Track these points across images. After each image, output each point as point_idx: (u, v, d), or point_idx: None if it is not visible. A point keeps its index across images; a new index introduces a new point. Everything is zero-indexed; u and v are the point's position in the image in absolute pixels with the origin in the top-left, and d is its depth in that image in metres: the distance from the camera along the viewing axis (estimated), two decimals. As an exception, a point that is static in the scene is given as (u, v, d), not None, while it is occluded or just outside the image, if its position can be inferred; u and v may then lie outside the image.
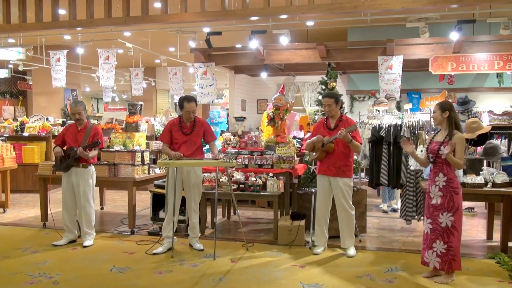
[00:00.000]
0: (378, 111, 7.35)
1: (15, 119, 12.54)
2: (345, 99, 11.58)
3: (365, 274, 4.43)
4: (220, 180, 5.85)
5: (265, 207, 7.57)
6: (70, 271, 4.55)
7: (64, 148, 5.51)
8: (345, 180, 5.00)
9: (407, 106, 7.59)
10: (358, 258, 4.93)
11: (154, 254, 5.07)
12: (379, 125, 6.45)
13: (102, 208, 7.65)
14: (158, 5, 6.76)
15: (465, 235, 5.42)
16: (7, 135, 9.60)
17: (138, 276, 4.41)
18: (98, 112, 20.08)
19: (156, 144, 8.59)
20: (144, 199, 7.96)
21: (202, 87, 9.27)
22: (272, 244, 5.47)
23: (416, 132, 6.13)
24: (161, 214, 5.90)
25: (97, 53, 9.98)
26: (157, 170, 6.43)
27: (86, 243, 5.42)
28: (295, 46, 9.18)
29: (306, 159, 5.91)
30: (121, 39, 10.42)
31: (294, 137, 8.08)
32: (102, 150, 5.95)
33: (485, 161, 5.74)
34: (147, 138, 7.92)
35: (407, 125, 6.23)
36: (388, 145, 6.32)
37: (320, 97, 5.79)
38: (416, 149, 5.57)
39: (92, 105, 21.73)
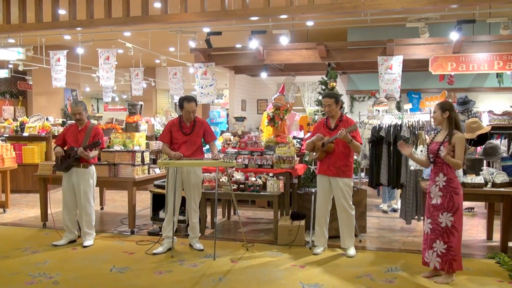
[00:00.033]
0: (378, 111, 7.35)
1: (15, 119, 12.54)
2: (345, 99, 11.58)
3: (365, 274, 4.43)
4: (220, 180, 5.85)
5: (265, 207, 7.57)
6: (70, 271, 4.55)
7: (65, 148, 5.52)
8: (345, 180, 5.00)
9: (407, 106, 7.60)
10: (358, 258, 4.93)
11: (154, 254, 5.07)
12: (379, 125, 6.46)
13: (102, 208, 7.65)
14: (158, 5, 6.76)
15: (465, 235, 5.41)
16: (7, 135, 9.61)
17: (138, 276, 4.41)
18: (98, 112, 20.09)
19: (156, 144, 8.59)
20: (144, 199, 7.96)
21: (202, 87, 9.27)
22: (272, 244, 5.47)
23: (416, 132, 6.14)
24: (161, 214, 5.90)
25: (97, 53, 9.98)
26: (157, 170, 6.43)
27: (86, 243, 5.42)
28: (295, 46, 9.18)
29: (306, 159, 5.91)
30: (121, 39, 10.42)
31: (294, 137, 8.08)
32: (102, 150, 5.96)
33: (485, 161, 5.74)
34: (147, 138, 7.93)
35: (407, 125, 6.23)
36: (388, 145, 6.32)
37: (320, 97, 5.80)
38: (416, 149, 5.57)
39: (92, 105, 21.74)
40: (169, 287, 4.17)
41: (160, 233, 5.52)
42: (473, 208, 7.19)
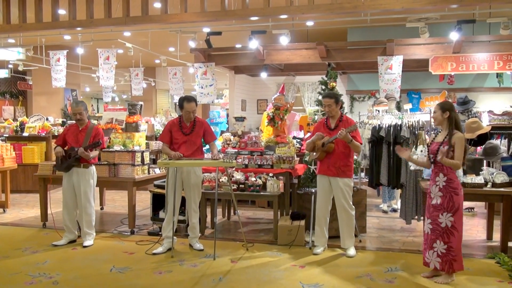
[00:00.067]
0: (378, 111, 7.35)
1: (15, 119, 12.55)
2: (345, 99, 11.58)
3: (365, 274, 4.43)
4: (220, 180, 5.85)
5: (265, 207, 7.57)
6: (70, 271, 4.55)
7: (65, 148, 5.52)
8: (345, 180, 5.00)
9: (407, 106, 7.60)
10: (358, 258, 4.93)
11: (154, 254, 5.07)
12: (379, 125, 6.46)
13: (102, 208, 7.65)
14: (158, 5, 6.76)
15: (465, 235, 5.41)
16: (7, 135, 9.60)
17: (138, 276, 4.41)
18: (98, 112, 20.09)
19: (156, 144, 8.59)
20: (144, 199, 7.96)
21: (202, 87, 9.27)
22: (272, 244, 5.47)
23: (416, 132, 6.14)
24: (161, 214, 5.90)
25: (97, 53, 9.98)
26: (157, 170, 6.43)
27: (86, 243, 5.42)
28: (295, 46, 9.18)
29: (306, 159, 5.91)
30: (121, 39, 10.42)
31: (294, 137, 8.08)
32: (102, 150, 5.96)
33: (485, 161, 5.74)
34: (147, 138, 7.93)
35: (407, 125, 6.24)
36: (388, 145, 6.32)
37: (320, 97, 5.79)
38: (416, 149, 5.57)
39: (92, 105, 21.74)
40: (169, 287, 4.17)
41: (160, 233, 5.51)
42: (473, 208, 7.19)
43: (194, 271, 4.54)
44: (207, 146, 5.59)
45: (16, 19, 6.58)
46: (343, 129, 4.81)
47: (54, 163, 5.99)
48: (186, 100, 5.17)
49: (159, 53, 11.85)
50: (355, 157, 5.71)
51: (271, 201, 6.52)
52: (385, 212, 7.24)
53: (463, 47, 8.11)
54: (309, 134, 6.28)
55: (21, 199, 8.53)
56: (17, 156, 8.44)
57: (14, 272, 4.51)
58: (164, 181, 5.59)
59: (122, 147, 6.28)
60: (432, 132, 4.77)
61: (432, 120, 4.51)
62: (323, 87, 6.13)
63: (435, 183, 4.24)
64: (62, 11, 7.35)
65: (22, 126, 9.74)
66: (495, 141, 6.57)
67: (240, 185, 5.87)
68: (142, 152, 6.15)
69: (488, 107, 8.99)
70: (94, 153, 5.45)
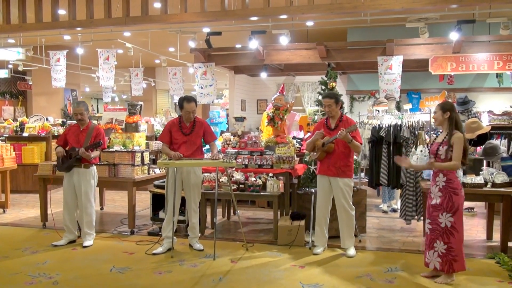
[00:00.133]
0: (378, 111, 7.35)
1: (15, 119, 12.54)
2: (345, 99, 11.58)
3: (365, 274, 4.43)
4: (220, 180, 5.85)
5: (265, 207, 7.57)
6: (70, 271, 4.55)
7: (66, 148, 5.52)
8: (345, 180, 5.00)
9: (407, 106, 7.60)
10: (358, 258, 4.93)
11: (154, 254, 5.07)
12: (379, 125, 6.46)
13: (102, 208, 7.64)
14: (158, 5, 6.76)
15: (465, 235, 5.38)
16: (7, 135, 9.60)
17: (138, 276, 4.41)
18: (98, 112, 20.10)
19: (156, 144, 8.59)
20: (144, 199, 7.96)
21: (202, 87, 9.27)
22: (272, 244, 5.47)
23: (416, 132, 6.14)
24: (161, 214, 5.90)
25: (97, 53, 9.98)
26: (157, 170, 6.43)
27: (86, 243, 5.42)
28: (295, 46, 9.18)
29: (306, 159, 5.91)
30: (121, 39, 10.42)
31: (294, 137, 8.08)
32: (103, 150, 5.96)
33: (485, 161, 5.74)
34: (147, 138, 7.93)
35: (407, 125, 6.24)
36: (388, 145, 6.32)
37: (320, 97, 5.79)
38: (416, 149, 5.58)
39: (92, 105, 21.75)
40: (169, 287, 4.17)
41: (160, 233, 5.51)
42: (473, 208, 7.19)
43: (194, 271, 4.54)
44: (207, 146, 5.59)
45: (16, 19, 6.58)
46: (343, 129, 4.81)
47: (54, 163, 6.00)
48: (186, 100, 5.17)
49: (159, 53, 11.85)
50: (355, 157, 5.71)
51: (271, 201, 6.52)
52: (385, 212, 7.24)
53: (463, 47, 8.11)
54: (309, 134, 6.28)
55: (21, 199, 8.53)
56: (17, 156, 8.44)
57: (14, 272, 4.51)
58: (164, 181, 5.59)
59: (122, 147, 6.28)
60: (432, 132, 4.80)
61: (433, 120, 4.51)
62: (323, 87, 6.13)
63: (435, 183, 4.24)
64: (62, 11, 7.35)
65: (22, 126, 9.73)
66: (495, 141, 6.57)
67: (240, 185, 5.87)
68: (142, 152, 6.15)
69: (488, 107, 8.99)
70: (95, 153, 5.45)
